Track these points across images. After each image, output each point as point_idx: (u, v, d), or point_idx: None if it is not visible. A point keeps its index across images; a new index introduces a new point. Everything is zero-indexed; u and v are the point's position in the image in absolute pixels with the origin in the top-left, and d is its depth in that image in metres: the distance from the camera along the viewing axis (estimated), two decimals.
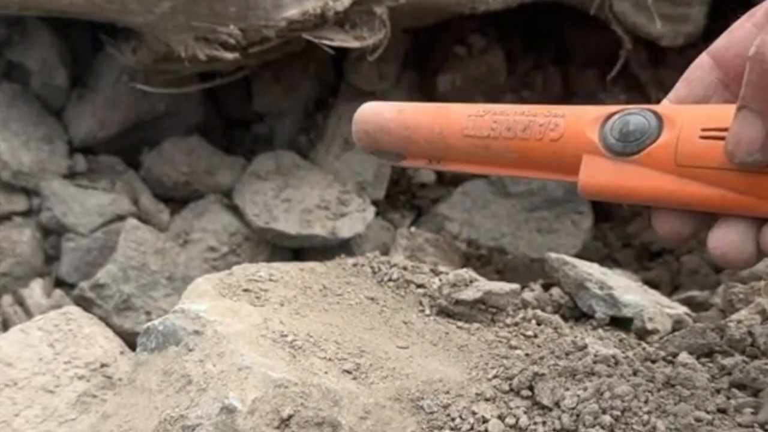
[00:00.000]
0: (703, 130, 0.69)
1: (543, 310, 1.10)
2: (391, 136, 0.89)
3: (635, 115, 0.73)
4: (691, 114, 0.72)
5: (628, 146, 0.72)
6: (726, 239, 0.69)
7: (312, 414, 0.82)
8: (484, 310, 1.08)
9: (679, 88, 0.80)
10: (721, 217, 0.70)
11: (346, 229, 1.55)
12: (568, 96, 1.93)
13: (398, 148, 0.90)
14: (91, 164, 1.64)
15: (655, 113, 0.73)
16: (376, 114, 0.91)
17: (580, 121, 0.77)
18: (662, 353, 0.97)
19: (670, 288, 1.58)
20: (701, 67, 0.79)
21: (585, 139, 0.75)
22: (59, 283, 1.54)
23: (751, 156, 0.65)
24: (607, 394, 0.84)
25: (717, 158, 0.68)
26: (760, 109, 0.65)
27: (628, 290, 1.12)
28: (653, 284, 1.44)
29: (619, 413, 0.83)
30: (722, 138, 0.68)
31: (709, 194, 0.69)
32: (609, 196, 0.76)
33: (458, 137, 0.84)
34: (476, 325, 1.07)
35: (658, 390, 0.87)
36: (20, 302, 1.46)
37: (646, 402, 0.84)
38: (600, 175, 0.74)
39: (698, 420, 0.82)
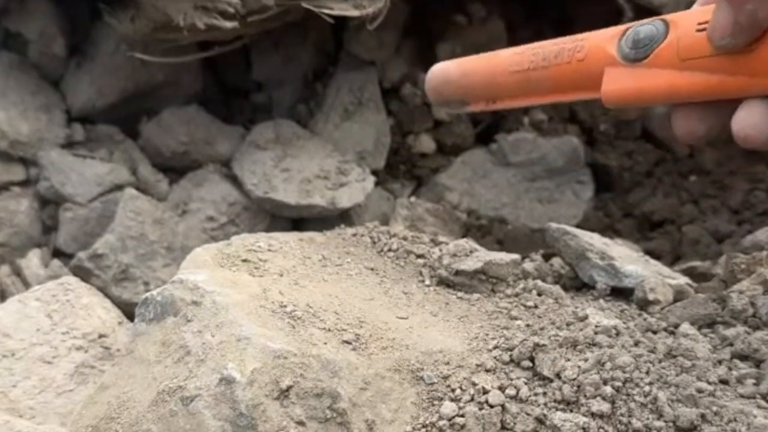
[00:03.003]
0: (699, 24, 0.75)
1: (544, 280, 1.10)
2: (453, 86, 1.01)
3: (646, 26, 0.80)
4: (692, 14, 0.78)
5: (639, 52, 0.79)
6: (748, 120, 0.73)
7: (311, 385, 0.82)
8: (484, 280, 1.08)
9: None
10: (742, 102, 0.74)
11: (346, 198, 1.54)
12: None
13: (461, 95, 1.01)
14: (89, 134, 1.64)
15: (663, 21, 0.79)
16: (442, 69, 1.03)
17: (601, 40, 0.85)
18: (663, 324, 0.97)
19: (672, 258, 1.57)
20: None
21: (605, 54, 0.83)
22: (57, 254, 1.53)
23: (723, 40, 0.72)
24: (608, 365, 0.84)
25: (710, 46, 0.75)
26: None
27: (629, 260, 1.12)
28: (654, 254, 1.44)
29: (620, 384, 0.82)
30: None
31: (710, 81, 0.75)
32: (628, 101, 0.82)
33: (505, 75, 0.94)
34: (476, 295, 1.07)
35: (660, 361, 0.87)
36: (18, 273, 1.46)
37: (647, 373, 0.84)
38: (618, 82, 0.81)
39: (700, 391, 0.82)
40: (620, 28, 0.83)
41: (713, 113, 0.78)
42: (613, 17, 1.67)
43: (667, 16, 0.79)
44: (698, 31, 0.75)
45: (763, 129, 0.72)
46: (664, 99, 0.79)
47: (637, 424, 0.80)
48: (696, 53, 0.75)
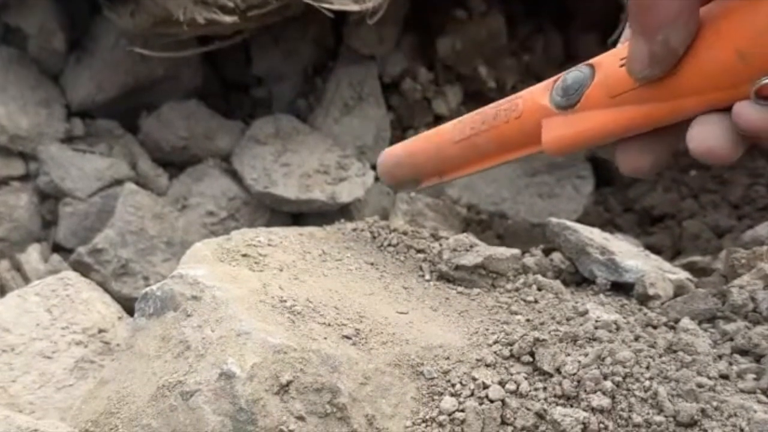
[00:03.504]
0: (621, 59, 0.75)
1: (544, 275, 1.10)
2: (403, 167, 1.05)
3: (572, 72, 0.81)
4: (614, 53, 0.78)
5: (570, 98, 0.80)
6: (707, 133, 0.71)
7: (311, 380, 0.81)
8: (484, 275, 1.08)
9: None
10: (694, 118, 0.72)
11: (346, 193, 1.54)
12: (569, 60, 1.92)
13: (412, 174, 1.05)
14: (88, 128, 1.64)
15: (589, 65, 0.80)
16: (390, 153, 1.08)
17: (534, 95, 0.86)
18: (664, 319, 0.97)
19: (672, 253, 1.57)
20: None
21: (540, 107, 0.84)
22: (57, 248, 1.53)
23: (643, 72, 0.72)
24: (608, 360, 0.84)
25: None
26: (639, 31, 0.70)
27: (630, 255, 1.11)
28: (655, 249, 1.44)
29: (620, 379, 0.82)
30: None
31: (645, 112, 0.74)
32: (568, 147, 0.83)
33: (451, 146, 0.97)
34: (476, 290, 1.07)
35: (660, 356, 0.87)
36: (17, 267, 1.46)
37: (647, 368, 0.84)
38: (555, 131, 0.82)
39: (700, 386, 0.82)
40: (550, 80, 0.84)
41: (654, 144, 0.77)
42: (613, 11, 1.67)
43: (592, 60, 0.80)
44: (621, 66, 0.75)
45: (724, 138, 0.70)
46: (602, 138, 0.79)
47: (637, 419, 0.80)
48: (623, 88, 0.75)
